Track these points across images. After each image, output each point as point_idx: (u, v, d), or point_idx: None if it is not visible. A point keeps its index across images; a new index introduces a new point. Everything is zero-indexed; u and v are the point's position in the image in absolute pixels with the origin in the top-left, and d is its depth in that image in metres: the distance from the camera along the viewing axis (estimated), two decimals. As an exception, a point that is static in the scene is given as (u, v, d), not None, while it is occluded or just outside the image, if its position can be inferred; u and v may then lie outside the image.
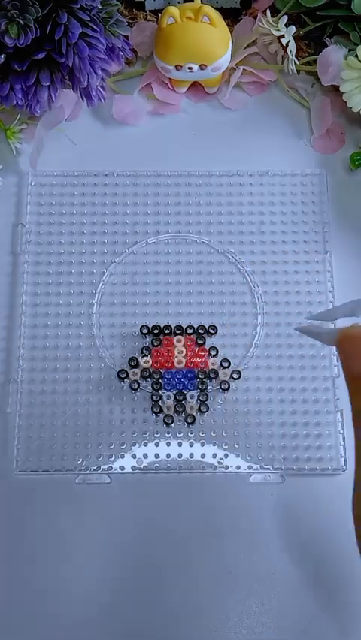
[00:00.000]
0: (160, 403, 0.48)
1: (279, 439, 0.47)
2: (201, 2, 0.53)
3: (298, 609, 0.44)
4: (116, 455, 0.47)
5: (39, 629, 0.44)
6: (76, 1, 0.47)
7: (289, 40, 0.53)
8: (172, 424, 0.47)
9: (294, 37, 0.53)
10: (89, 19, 0.47)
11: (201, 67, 0.53)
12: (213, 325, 0.49)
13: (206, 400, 0.48)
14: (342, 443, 0.47)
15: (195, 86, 0.56)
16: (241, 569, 0.45)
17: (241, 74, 0.56)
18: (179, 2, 0.56)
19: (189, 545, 0.45)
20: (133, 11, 0.58)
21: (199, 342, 0.49)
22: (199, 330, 0.49)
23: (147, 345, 0.49)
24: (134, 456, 0.47)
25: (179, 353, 0.49)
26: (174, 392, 0.48)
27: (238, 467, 0.47)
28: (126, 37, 0.53)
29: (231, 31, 0.55)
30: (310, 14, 0.56)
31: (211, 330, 0.49)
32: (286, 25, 0.53)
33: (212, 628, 0.44)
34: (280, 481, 0.47)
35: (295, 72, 0.55)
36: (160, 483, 0.47)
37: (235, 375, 0.48)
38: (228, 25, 0.54)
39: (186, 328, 0.49)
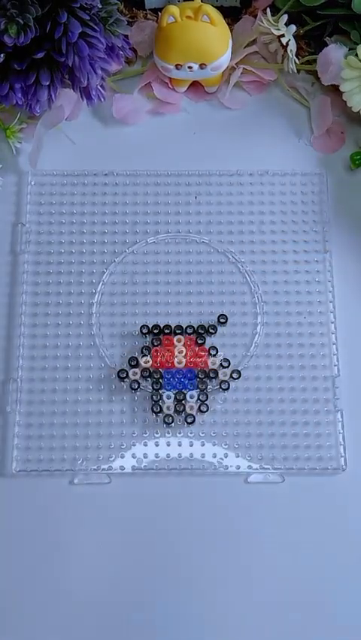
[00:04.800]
0: (160, 402, 0.48)
1: (279, 439, 0.47)
2: (201, 1, 0.53)
3: (298, 608, 0.44)
4: (116, 455, 0.47)
5: (39, 629, 0.44)
6: (76, 0, 0.47)
7: (290, 40, 0.53)
8: (172, 424, 0.47)
9: (294, 37, 0.53)
10: (88, 18, 0.47)
11: (201, 66, 0.53)
12: (213, 325, 0.49)
13: (206, 400, 0.48)
14: (342, 443, 0.47)
15: (195, 86, 0.56)
16: (241, 568, 0.45)
17: (241, 73, 0.56)
18: (179, 1, 0.56)
19: (188, 545, 0.45)
20: (133, 10, 0.58)
21: (199, 341, 0.49)
22: (199, 330, 0.49)
23: (147, 344, 0.49)
24: (134, 456, 0.47)
25: (179, 353, 0.49)
26: (174, 392, 0.48)
27: (238, 467, 0.47)
28: (126, 36, 0.53)
29: (231, 31, 0.55)
30: (311, 13, 0.56)
31: (211, 330, 0.49)
32: (287, 25, 0.53)
33: (212, 628, 0.44)
34: (280, 480, 0.47)
35: (295, 71, 0.55)
36: (160, 483, 0.47)
37: (234, 375, 0.48)
38: (228, 24, 0.54)
39: (186, 328, 0.49)
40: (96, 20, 0.48)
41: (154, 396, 0.48)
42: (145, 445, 0.47)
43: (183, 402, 0.48)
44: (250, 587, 0.45)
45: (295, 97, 0.57)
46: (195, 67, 0.53)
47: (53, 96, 0.51)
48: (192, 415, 0.47)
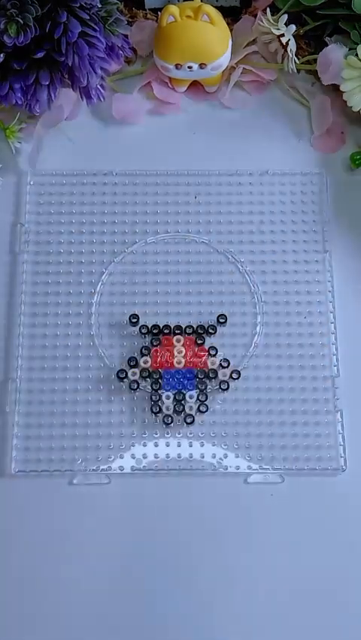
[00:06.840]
0: (159, 403, 0.48)
1: (279, 439, 0.47)
2: (201, 1, 0.53)
3: (298, 609, 0.44)
4: (115, 455, 0.47)
5: (38, 629, 0.44)
6: (75, 0, 0.47)
7: (289, 39, 0.53)
8: (171, 424, 0.47)
9: (294, 36, 0.53)
10: (88, 18, 0.47)
11: (201, 66, 0.53)
12: (212, 325, 0.49)
13: (205, 400, 0.48)
14: (342, 443, 0.47)
15: (195, 85, 0.56)
16: (241, 569, 0.45)
17: (241, 73, 0.56)
18: (179, 1, 0.56)
19: (188, 545, 0.45)
20: (133, 10, 0.58)
21: (199, 342, 0.49)
22: (199, 330, 0.49)
23: (147, 345, 0.49)
24: (133, 456, 0.47)
25: (178, 353, 0.48)
26: (174, 392, 0.48)
27: (238, 467, 0.47)
28: (126, 36, 0.53)
29: (231, 30, 0.55)
30: (311, 13, 0.56)
31: (211, 330, 0.49)
32: (286, 24, 0.53)
33: (212, 628, 0.44)
34: (280, 481, 0.46)
35: (296, 71, 0.55)
36: (159, 483, 0.47)
37: (234, 375, 0.48)
38: (228, 23, 0.54)
39: (185, 328, 0.49)
40: (96, 20, 0.48)
41: (153, 397, 0.48)
42: (144, 445, 0.47)
43: (183, 402, 0.48)
44: (250, 588, 0.45)
45: (295, 97, 0.57)
46: (195, 66, 0.53)
47: (52, 96, 0.51)
48: (191, 415, 0.47)
